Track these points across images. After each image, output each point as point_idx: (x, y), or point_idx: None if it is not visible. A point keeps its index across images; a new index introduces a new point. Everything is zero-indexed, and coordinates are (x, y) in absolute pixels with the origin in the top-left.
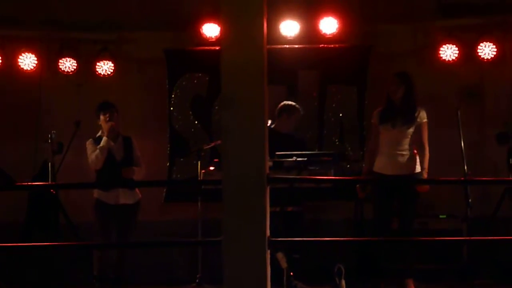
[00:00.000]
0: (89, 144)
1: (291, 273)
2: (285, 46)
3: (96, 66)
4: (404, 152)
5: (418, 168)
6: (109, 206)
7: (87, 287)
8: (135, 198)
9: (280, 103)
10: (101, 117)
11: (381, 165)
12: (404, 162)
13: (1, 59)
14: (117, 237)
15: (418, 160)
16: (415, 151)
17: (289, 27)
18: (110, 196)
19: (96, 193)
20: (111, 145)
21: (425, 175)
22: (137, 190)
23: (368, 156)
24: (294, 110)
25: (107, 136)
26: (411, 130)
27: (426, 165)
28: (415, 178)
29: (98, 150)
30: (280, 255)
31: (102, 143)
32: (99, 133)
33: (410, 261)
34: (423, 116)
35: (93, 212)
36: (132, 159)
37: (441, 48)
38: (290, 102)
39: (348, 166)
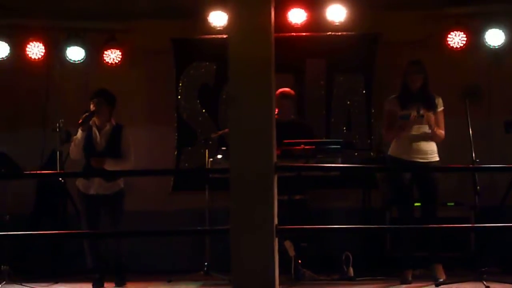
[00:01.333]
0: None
1: (299, 261)
2: (292, 34)
3: (104, 55)
4: (426, 139)
5: (437, 157)
6: (88, 196)
7: (89, 278)
8: (112, 189)
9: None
10: (91, 105)
11: (401, 150)
12: (427, 149)
13: (10, 49)
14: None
15: (436, 149)
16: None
17: (297, 15)
18: (84, 185)
19: (77, 182)
20: (95, 135)
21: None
22: (118, 181)
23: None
24: (289, 96)
25: (81, 130)
26: (433, 116)
27: (437, 132)
28: (433, 166)
29: (72, 142)
30: (288, 243)
31: (77, 135)
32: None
33: (437, 247)
34: (440, 103)
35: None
36: (116, 150)
37: (449, 36)
38: (283, 89)
39: (356, 154)
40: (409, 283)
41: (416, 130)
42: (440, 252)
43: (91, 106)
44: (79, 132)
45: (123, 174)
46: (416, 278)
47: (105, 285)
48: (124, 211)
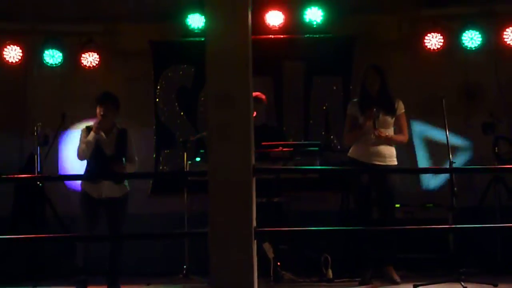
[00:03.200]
0: (82, 132)
1: (278, 263)
2: (270, 36)
3: (82, 58)
4: (386, 143)
5: (396, 161)
6: (94, 199)
7: (73, 279)
8: (121, 192)
9: (265, 94)
10: (97, 109)
11: (361, 153)
12: (385, 152)
13: None
14: (108, 230)
15: (395, 153)
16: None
17: (274, 17)
18: (94, 189)
19: (83, 184)
20: (102, 139)
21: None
22: (125, 183)
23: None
24: (260, 100)
25: (94, 132)
26: (393, 120)
27: (394, 138)
28: (392, 168)
29: (84, 144)
30: (267, 246)
31: (89, 137)
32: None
33: (391, 249)
34: (401, 107)
35: (79, 203)
36: (123, 154)
37: (426, 37)
38: (255, 93)
39: (334, 156)
40: (368, 283)
41: (380, 126)
42: (394, 253)
43: (98, 111)
44: (92, 134)
45: (101, 177)
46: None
47: (99, 287)
48: (126, 216)
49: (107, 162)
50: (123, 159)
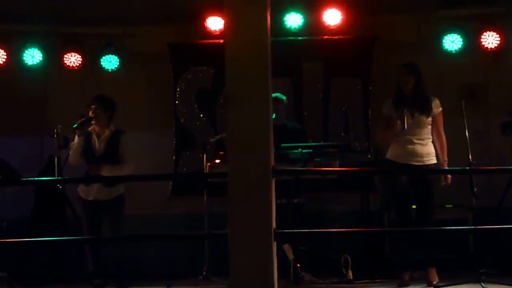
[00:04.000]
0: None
1: (298, 265)
2: (289, 38)
3: (101, 61)
4: (423, 142)
5: (434, 159)
6: (88, 202)
7: (90, 283)
8: (112, 194)
9: (284, 95)
10: (90, 111)
11: (397, 153)
12: (422, 152)
13: (7, 55)
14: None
15: (434, 151)
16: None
17: (293, 19)
18: (86, 191)
19: (78, 188)
20: (94, 142)
21: (445, 166)
22: (117, 186)
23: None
24: (279, 100)
25: (78, 135)
26: (429, 119)
27: (445, 156)
28: (430, 168)
29: (69, 149)
30: (287, 247)
31: (74, 140)
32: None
33: (432, 250)
34: (437, 105)
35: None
36: (114, 155)
37: (445, 38)
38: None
39: (353, 157)
40: (407, 285)
41: (412, 133)
42: (435, 255)
43: (90, 113)
44: (76, 137)
45: (121, 180)
46: (415, 281)
47: None
48: (124, 217)
49: (97, 163)
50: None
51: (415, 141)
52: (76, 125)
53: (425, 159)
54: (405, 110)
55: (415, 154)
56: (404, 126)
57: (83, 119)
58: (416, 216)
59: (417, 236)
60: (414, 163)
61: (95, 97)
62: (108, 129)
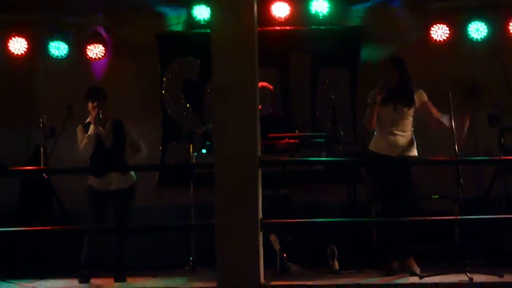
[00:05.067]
0: (79, 131)
1: (285, 255)
2: (276, 28)
3: (87, 50)
4: (405, 134)
5: (415, 151)
6: (100, 192)
7: (78, 273)
8: (128, 182)
9: (272, 85)
10: (89, 104)
11: (379, 145)
12: (404, 143)
13: None
14: (115, 222)
15: (415, 143)
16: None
17: (280, 9)
18: (100, 182)
19: (89, 179)
20: (100, 132)
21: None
22: (131, 173)
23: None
24: (266, 90)
25: (94, 124)
26: (411, 111)
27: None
28: (412, 159)
29: (86, 139)
30: (273, 237)
31: (89, 131)
32: (89, 119)
33: (409, 240)
34: (423, 96)
35: (86, 198)
36: (123, 144)
37: (432, 29)
38: (261, 83)
39: (341, 148)
40: (395, 273)
41: (394, 124)
42: (410, 245)
43: (90, 106)
44: (92, 127)
45: (108, 170)
46: (403, 270)
47: (104, 279)
48: (133, 207)
49: (109, 154)
50: (123, 149)
51: (396, 132)
52: (94, 121)
53: (406, 150)
54: (393, 104)
55: (396, 146)
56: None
57: (97, 114)
58: (399, 207)
59: (397, 227)
60: (395, 154)
61: (91, 91)
62: (109, 120)
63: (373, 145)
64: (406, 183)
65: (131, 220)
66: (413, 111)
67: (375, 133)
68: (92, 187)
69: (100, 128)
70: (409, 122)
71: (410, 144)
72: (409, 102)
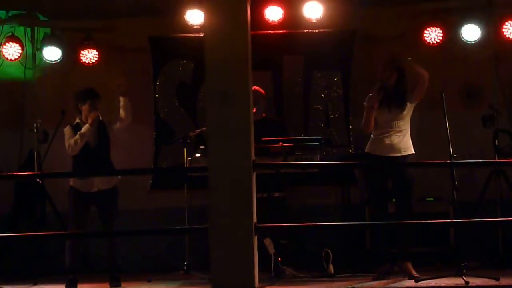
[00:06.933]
0: (67, 130)
1: (279, 259)
2: (269, 31)
3: (81, 55)
4: (400, 133)
5: (412, 150)
6: (83, 193)
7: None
8: (111, 183)
9: (265, 89)
10: (86, 105)
11: (375, 146)
12: (399, 142)
13: None
14: (102, 226)
15: (411, 142)
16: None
17: (273, 12)
18: (84, 183)
19: (71, 181)
20: (90, 132)
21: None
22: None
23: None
24: (259, 94)
25: (90, 125)
26: (405, 112)
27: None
28: (407, 160)
29: (78, 136)
30: (267, 241)
31: (83, 130)
32: (77, 120)
33: (406, 244)
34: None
35: (67, 200)
36: (107, 144)
37: (425, 31)
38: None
39: (334, 151)
40: (382, 278)
41: (389, 126)
42: (408, 249)
43: (86, 107)
44: (87, 127)
45: (103, 173)
46: (396, 274)
47: (99, 284)
48: (118, 208)
49: (93, 154)
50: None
51: (392, 133)
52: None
53: (403, 150)
54: (386, 107)
55: (392, 147)
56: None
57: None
58: (396, 209)
59: (395, 230)
60: (392, 155)
61: (86, 92)
62: (98, 121)
63: (369, 148)
64: (404, 185)
65: (116, 221)
66: (409, 110)
67: (371, 136)
68: (74, 189)
69: (91, 128)
70: (405, 121)
71: (406, 143)
72: (404, 104)
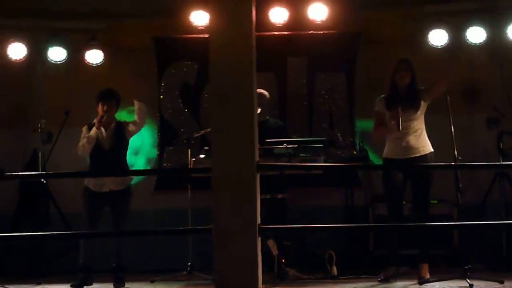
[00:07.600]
0: (83, 129)
1: (283, 260)
2: (274, 33)
3: (85, 55)
4: (416, 133)
5: (430, 148)
6: (96, 193)
7: (74, 276)
8: (124, 184)
9: (269, 90)
10: (99, 105)
11: (393, 150)
12: (417, 143)
13: None
14: (113, 226)
15: (428, 141)
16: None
17: (278, 14)
18: (97, 183)
19: (86, 180)
20: (100, 134)
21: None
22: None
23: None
24: (262, 96)
25: (96, 127)
26: (419, 112)
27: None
28: (427, 159)
29: (85, 139)
30: (271, 242)
31: (91, 133)
32: (94, 120)
33: (427, 246)
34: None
35: (81, 199)
36: (122, 146)
37: (430, 34)
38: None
39: (338, 152)
40: (388, 280)
41: (405, 127)
42: (429, 251)
43: (101, 107)
44: (94, 129)
45: (104, 174)
46: (401, 277)
47: (103, 284)
48: (130, 209)
49: (107, 156)
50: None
51: (408, 134)
52: (97, 123)
53: (421, 149)
54: (400, 109)
55: (410, 148)
56: (399, 127)
57: (101, 116)
58: (413, 211)
59: (410, 232)
60: (411, 156)
61: (105, 92)
62: (114, 122)
63: (387, 152)
64: (423, 187)
65: (127, 223)
66: (423, 109)
67: (386, 140)
68: (88, 189)
69: (102, 130)
70: (419, 120)
71: (423, 141)
72: (417, 104)
